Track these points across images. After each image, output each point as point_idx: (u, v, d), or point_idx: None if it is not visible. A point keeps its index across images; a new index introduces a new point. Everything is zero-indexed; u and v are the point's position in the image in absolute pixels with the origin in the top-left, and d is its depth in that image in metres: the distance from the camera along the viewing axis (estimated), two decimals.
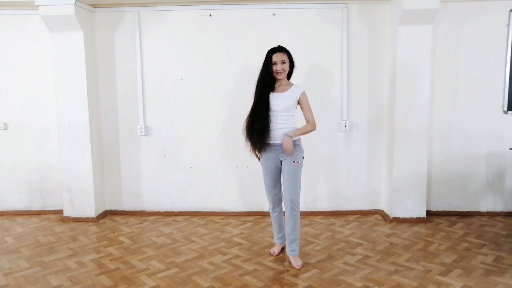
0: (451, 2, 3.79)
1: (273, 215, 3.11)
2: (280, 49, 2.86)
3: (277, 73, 2.84)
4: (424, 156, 3.81)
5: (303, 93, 2.90)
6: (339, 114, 4.00)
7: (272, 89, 2.87)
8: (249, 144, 2.96)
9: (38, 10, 3.67)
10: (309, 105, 2.93)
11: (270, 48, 2.88)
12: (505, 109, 3.90)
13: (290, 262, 2.94)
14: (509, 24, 3.80)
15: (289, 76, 2.97)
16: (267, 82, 2.86)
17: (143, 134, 4.11)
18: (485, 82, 3.90)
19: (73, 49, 3.82)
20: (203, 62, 4.00)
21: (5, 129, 4.16)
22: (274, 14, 3.91)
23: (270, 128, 2.85)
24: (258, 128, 2.84)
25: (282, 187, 2.99)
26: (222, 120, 4.07)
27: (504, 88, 3.88)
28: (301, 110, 2.93)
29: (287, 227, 2.92)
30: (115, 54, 4.04)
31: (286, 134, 2.81)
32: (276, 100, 2.85)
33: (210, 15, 3.93)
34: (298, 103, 2.91)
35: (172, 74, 4.03)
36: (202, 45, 3.98)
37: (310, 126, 2.90)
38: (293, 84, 2.93)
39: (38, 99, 4.11)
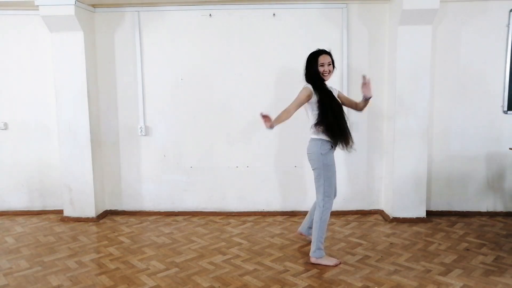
0: (451, 2, 3.79)
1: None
2: (324, 51, 2.95)
3: (323, 74, 2.92)
4: (424, 156, 3.81)
5: (338, 91, 3.16)
6: None
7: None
8: (341, 141, 2.94)
9: (38, 10, 3.67)
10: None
11: (312, 52, 2.96)
12: (505, 109, 3.90)
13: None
14: (509, 24, 3.80)
15: None
16: (324, 85, 2.94)
17: (143, 134, 4.11)
18: (485, 82, 3.90)
19: (73, 49, 3.82)
20: (203, 62, 4.00)
21: (5, 129, 4.16)
22: (274, 14, 3.91)
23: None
24: (345, 126, 2.94)
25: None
26: (222, 119, 4.07)
27: (504, 88, 3.88)
28: (345, 102, 3.14)
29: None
30: (115, 54, 4.04)
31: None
32: None
33: (210, 15, 3.93)
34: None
35: (172, 74, 4.03)
36: (202, 45, 3.98)
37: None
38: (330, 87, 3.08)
39: (38, 99, 4.11)
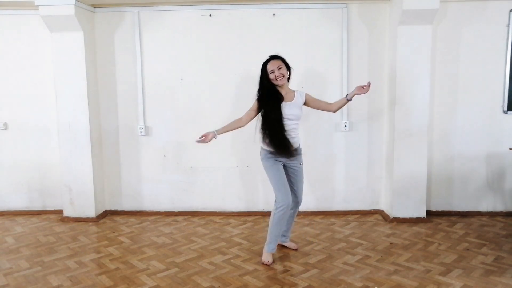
0: (451, 2, 3.79)
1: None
2: (272, 57, 2.91)
3: (276, 79, 2.86)
4: (424, 156, 3.81)
5: (306, 94, 3.03)
6: (339, 114, 3.99)
7: (282, 98, 2.92)
8: (278, 152, 2.94)
9: (38, 10, 3.67)
10: None
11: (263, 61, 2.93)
12: (505, 109, 3.90)
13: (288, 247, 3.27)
14: (509, 24, 3.80)
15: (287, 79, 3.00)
16: (274, 93, 2.90)
17: (143, 134, 4.11)
18: (485, 82, 3.90)
19: (73, 49, 3.82)
20: (203, 62, 4.00)
21: (5, 129, 4.16)
22: (274, 14, 3.91)
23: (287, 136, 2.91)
24: (280, 141, 2.89)
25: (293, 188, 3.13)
26: (222, 120, 4.05)
27: (504, 88, 3.88)
28: (314, 106, 3.06)
29: (291, 221, 3.22)
30: (115, 54, 4.04)
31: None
32: (290, 108, 2.91)
33: (210, 15, 3.93)
34: (306, 104, 3.01)
35: (172, 74, 4.03)
36: (202, 45, 3.98)
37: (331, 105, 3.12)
38: (295, 91, 3.00)
39: (38, 99, 4.11)
